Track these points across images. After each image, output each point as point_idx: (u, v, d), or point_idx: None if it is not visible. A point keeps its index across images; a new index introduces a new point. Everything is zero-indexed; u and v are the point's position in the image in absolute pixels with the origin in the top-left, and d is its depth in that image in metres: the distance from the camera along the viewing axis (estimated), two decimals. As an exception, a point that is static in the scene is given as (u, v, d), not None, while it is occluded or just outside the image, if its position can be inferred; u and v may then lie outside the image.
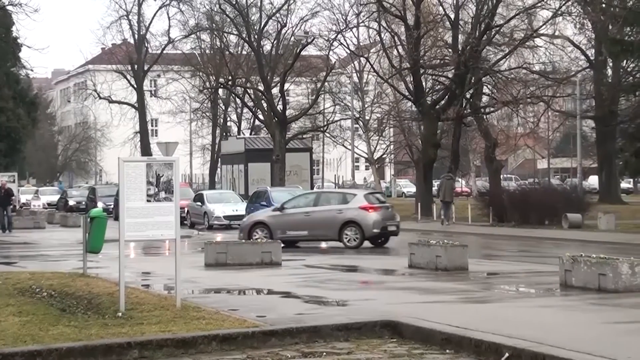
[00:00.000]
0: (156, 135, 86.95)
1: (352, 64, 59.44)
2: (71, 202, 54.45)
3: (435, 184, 61.61)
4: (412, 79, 45.18)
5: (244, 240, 23.70)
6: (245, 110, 69.77)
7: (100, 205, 44.21)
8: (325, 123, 63.00)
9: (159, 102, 77.86)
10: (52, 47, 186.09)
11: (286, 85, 58.87)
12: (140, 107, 75.19)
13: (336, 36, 50.72)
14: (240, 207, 38.74)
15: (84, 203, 52.89)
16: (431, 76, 47.84)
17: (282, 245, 25.63)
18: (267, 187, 38.82)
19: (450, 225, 37.11)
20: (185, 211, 40.02)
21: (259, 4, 57.66)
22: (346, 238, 27.04)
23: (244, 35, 57.37)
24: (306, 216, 27.55)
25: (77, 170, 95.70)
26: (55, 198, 61.98)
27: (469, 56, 41.58)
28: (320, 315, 12.36)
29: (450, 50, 44.21)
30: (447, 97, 44.55)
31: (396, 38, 46.42)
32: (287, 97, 59.58)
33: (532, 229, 33.77)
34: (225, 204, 39.42)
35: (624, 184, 70.30)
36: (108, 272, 17.95)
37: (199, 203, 40.00)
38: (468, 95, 44.91)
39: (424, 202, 43.38)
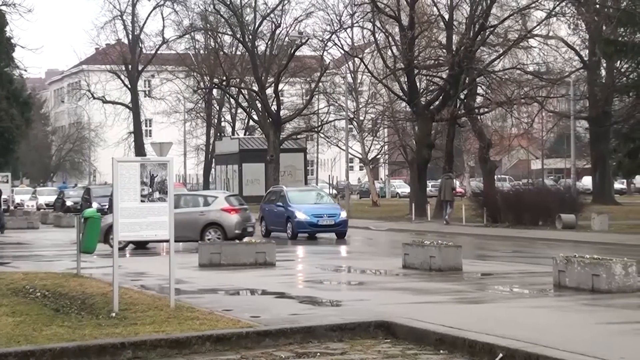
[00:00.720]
0: (150, 136, 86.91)
1: (347, 65, 59.44)
2: (68, 203, 54.07)
3: (430, 184, 61.80)
4: (406, 80, 45.20)
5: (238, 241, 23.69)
6: (240, 110, 69.86)
7: (95, 205, 43.99)
8: (319, 123, 63.03)
9: (153, 102, 77.83)
10: (45, 47, 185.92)
11: (280, 86, 58.88)
12: (134, 108, 75.16)
13: (330, 36, 50.84)
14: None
15: (80, 203, 52.46)
16: (425, 77, 47.87)
17: (134, 247, 25.95)
18: (283, 186, 38.27)
19: (448, 225, 37.08)
20: None
21: (253, 4, 57.72)
22: (208, 239, 27.19)
23: (238, 36, 57.40)
24: None
25: (70, 170, 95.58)
26: (53, 198, 61.27)
27: (463, 57, 41.60)
28: (314, 315, 12.36)
29: (444, 50, 44.24)
30: (441, 97, 44.57)
31: (390, 38, 46.45)
32: (281, 98, 59.60)
33: (526, 230, 33.80)
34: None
35: (618, 185, 70.36)
36: (102, 272, 17.95)
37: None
38: (462, 96, 44.93)
39: (418, 202, 43.36)
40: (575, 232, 32.03)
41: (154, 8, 72.40)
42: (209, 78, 66.51)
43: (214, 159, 71.22)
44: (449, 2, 43.87)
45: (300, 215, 31.15)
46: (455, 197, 41.70)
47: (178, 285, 14.57)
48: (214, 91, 71.02)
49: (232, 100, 68.16)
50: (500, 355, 9.46)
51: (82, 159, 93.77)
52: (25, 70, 58.61)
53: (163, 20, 72.45)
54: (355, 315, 11.90)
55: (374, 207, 56.93)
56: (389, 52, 47.35)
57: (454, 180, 39.60)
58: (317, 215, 31.15)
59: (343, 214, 32.15)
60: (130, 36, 74.31)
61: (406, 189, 69.18)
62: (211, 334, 10.52)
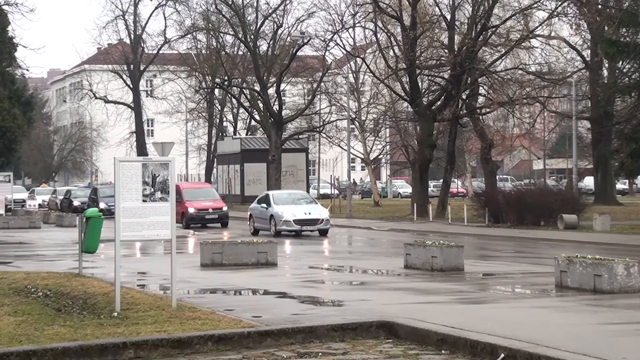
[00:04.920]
0: (152, 135, 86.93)
1: (348, 65, 59.42)
2: (75, 203, 53.77)
3: (432, 184, 61.70)
4: (408, 80, 45.19)
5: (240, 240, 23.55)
6: (242, 110, 69.87)
7: (102, 205, 43.79)
8: (321, 123, 63.01)
9: (155, 102, 77.85)
10: (48, 46, 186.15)
11: (282, 86, 58.88)
12: (136, 107, 75.18)
13: (332, 36, 50.84)
14: (313, 210, 33.82)
15: (87, 204, 51.91)
16: (427, 77, 47.86)
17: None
18: None
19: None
20: (248, 215, 36.14)
21: (255, 4, 57.69)
22: None
23: (240, 36, 57.38)
24: None
25: (72, 170, 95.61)
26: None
27: (465, 57, 41.59)
28: (315, 315, 12.36)
29: (446, 50, 44.22)
30: (443, 97, 44.57)
31: (392, 38, 46.43)
32: (283, 98, 59.59)
33: (528, 230, 33.80)
34: (295, 206, 33.95)
35: (620, 185, 70.35)
36: (103, 272, 17.97)
37: (264, 205, 34.38)
38: (464, 96, 44.91)
39: (420, 202, 43.36)
40: (577, 233, 32.03)
41: (156, 8, 72.49)
42: (210, 78, 66.49)
43: (215, 159, 71.23)
44: (450, 3, 43.87)
45: None
46: (455, 197, 41.63)
47: (180, 285, 14.57)
48: (216, 91, 71.01)
49: (233, 100, 68.16)
50: (502, 355, 9.46)
51: (84, 158, 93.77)
52: (28, 70, 58.83)
53: (165, 20, 72.80)
54: (356, 315, 11.90)
55: (375, 207, 56.90)
56: (391, 52, 47.33)
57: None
58: None
59: None
60: (132, 36, 74.35)
61: (408, 189, 69.19)
62: (213, 333, 10.52)
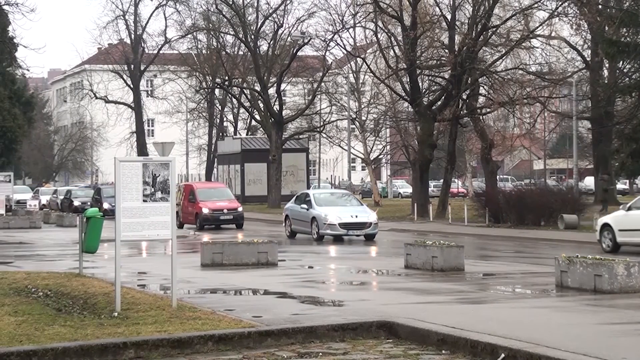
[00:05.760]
0: (152, 135, 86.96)
1: (349, 65, 59.43)
2: (76, 203, 53.63)
3: (432, 184, 61.67)
4: (408, 80, 45.19)
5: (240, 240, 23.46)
6: (242, 110, 69.93)
7: (106, 205, 43.65)
8: (321, 123, 63.03)
9: (156, 102, 77.88)
10: (48, 46, 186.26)
11: (283, 86, 58.97)
12: (137, 107, 75.21)
13: (333, 36, 50.89)
14: (360, 212, 30.97)
15: (89, 204, 51.79)
16: (427, 77, 47.84)
17: None
18: None
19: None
20: (284, 215, 33.25)
21: (255, 4, 57.77)
22: None
23: (240, 36, 57.44)
24: None
25: (73, 170, 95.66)
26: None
27: (466, 57, 41.59)
28: (316, 315, 12.37)
29: (446, 50, 44.21)
30: (443, 97, 44.56)
31: (393, 39, 46.43)
32: (283, 98, 59.67)
33: (528, 230, 33.80)
34: (340, 208, 31.07)
35: (620, 185, 70.30)
36: (104, 272, 17.97)
37: (305, 206, 31.46)
38: (464, 96, 44.91)
39: (420, 202, 43.36)
40: (577, 233, 32.02)
41: (157, 8, 72.52)
42: (211, 78, 66.55)
43: (216, 159, 71.29)
44: (451, 3, 43.86)
45: None
46: (455, 197, 41.60)
47: (180, 285, 14.58)
48: (216, 91, 71.08)
49: (234, 100, 68.21)
50: (503, 355, 9.46)
51: (85, 158, 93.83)
52: (28, 70, 58.83)
53: (165, 20, 72.76)
54: (357, 315, 11.90)
55: (376, 207, 56.87)
56: (391, 52, 47.32)
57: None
58: None
59: None
60: (132, 36, 74.38)
61: (408, 189, 69.17)
62: (213, 333, 10.53)
